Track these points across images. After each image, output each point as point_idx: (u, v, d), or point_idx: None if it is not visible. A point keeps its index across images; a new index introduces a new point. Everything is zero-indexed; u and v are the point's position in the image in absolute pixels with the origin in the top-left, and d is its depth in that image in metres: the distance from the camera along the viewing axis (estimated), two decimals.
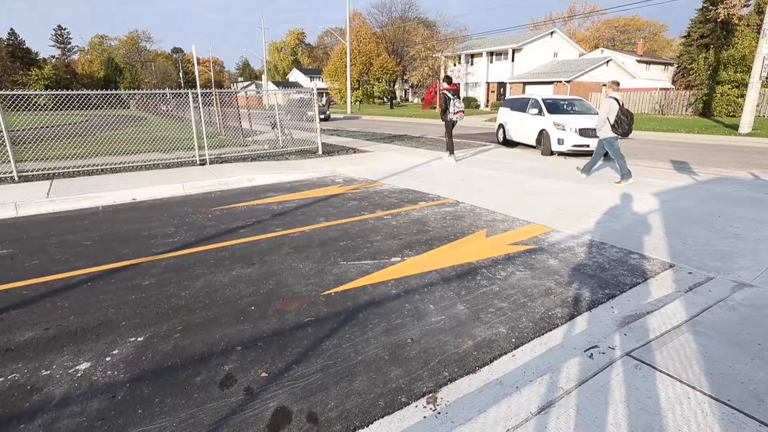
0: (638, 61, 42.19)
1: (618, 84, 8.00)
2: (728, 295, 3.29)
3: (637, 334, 2.78)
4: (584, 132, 10.64)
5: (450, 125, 10.20)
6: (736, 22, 29.96)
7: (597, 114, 11.26)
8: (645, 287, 3.62)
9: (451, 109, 9.89)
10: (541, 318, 3.16)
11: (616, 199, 6.54)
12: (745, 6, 29.44)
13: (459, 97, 10.06)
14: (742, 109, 17.48)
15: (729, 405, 2.09)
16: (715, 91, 25.29)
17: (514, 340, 2.89)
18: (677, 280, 3.70)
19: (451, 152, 10.60)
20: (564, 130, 10.97)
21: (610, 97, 7.58)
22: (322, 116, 27.37)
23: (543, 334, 2.96)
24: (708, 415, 2.03)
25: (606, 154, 8.14)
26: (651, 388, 2.24)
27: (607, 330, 2.92)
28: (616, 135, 7.54)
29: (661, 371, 2.36)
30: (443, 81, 10.35)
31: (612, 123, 7.47)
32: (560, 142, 11.03)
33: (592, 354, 2.59)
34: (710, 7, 30.35)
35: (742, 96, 22.65)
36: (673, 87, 32.94)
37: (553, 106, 12.10)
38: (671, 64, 42.93)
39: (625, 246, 4.55)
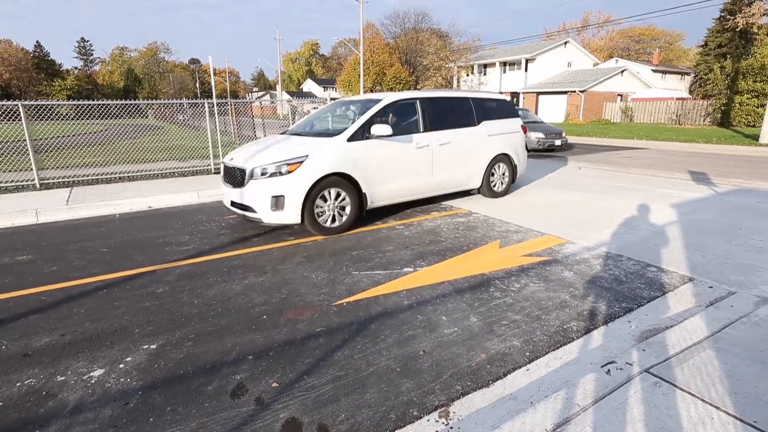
0: (654, 71, 41.73)
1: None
2: (751, 311, 3.18)
3: (656, 349, 2.71)
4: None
5: None
6: (755, 31, 29.52)
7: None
8: (663, 301, 3.53)
9: None
10: (555, 331, 3.10)
11: (633, 211, 6.42)
12: (764, 15, 29.01)
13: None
14: (762, 119, 17.13)
15: (756, 427, 2.01)
16: (734, 101, 24.85)
17: (528, 353, 2.84)
18: (697, 294, 3.60)
19: None
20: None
21: None
22: (558, 143, 14.55)
23: (558, 348, 2.90)
24: None
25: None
26: (671, 406, 2.17)
27: (624, 345, 2.84)
28: None
29: (681, 389, 2.29)
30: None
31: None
32: None
33: (609, 370, 2.53)
34: (728, 16, 29.97)
35: (762, 106, 22.25)
36: (690, 97, 32.43)
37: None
38: (688, 74, 42.35)
39: (642, 258, 4.46)
